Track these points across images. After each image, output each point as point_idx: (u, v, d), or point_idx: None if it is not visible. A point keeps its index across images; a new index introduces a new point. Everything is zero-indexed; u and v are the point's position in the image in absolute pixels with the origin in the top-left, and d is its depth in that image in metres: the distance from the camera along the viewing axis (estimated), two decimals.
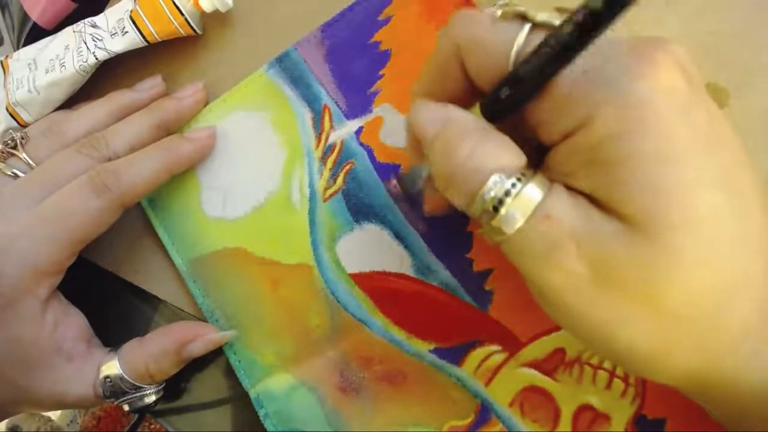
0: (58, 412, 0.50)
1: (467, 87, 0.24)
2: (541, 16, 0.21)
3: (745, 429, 0.23)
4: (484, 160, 0.21)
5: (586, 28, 0.19)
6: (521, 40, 0.21)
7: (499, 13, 0.22)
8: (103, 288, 0.38)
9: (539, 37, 0.21)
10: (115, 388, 0.33)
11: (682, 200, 0.19)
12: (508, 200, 0.21)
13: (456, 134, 0.22)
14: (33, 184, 0.32)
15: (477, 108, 0.25)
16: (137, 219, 0.37)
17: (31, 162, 0.34)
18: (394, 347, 0.32)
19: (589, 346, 0.27)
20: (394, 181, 0.33)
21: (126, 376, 0.33)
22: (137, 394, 0.33)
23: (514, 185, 0.21)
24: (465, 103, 0.25)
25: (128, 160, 0.33)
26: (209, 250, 0.35)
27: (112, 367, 0.33)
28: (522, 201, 0.21)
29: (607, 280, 0.20)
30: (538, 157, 0.23)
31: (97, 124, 0.35)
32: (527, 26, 0.22)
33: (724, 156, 0.20)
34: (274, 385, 0.33)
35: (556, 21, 0.20)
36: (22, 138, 0.35)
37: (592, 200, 0.21)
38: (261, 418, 0.33)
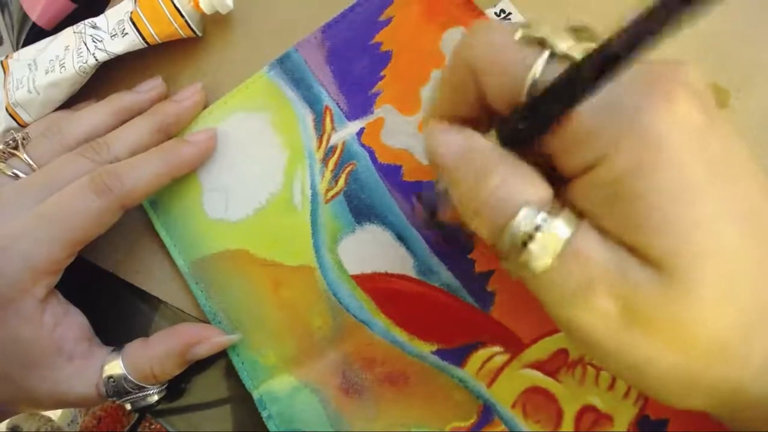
0: (59, 412, 0.50)
1: (481, 107, 0.24)
2: (562, 47, 0.21)
3: None
4: (514, 193, 0.21)
5: (604, 68, 0.18)
6: (539, 69, 0.21)
7: (519, 34, 0.22)
8: (103, 289, 0.38)
9: (556, 65, 0.20)
10: (118, 388, 0.33)
11: (701, 240, 0.19)
12: (539, 235, 0.20)
13: (484, 164, 0.22)
14: (34, 185, 0.32)
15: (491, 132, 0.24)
16: (138, 220, 0.37)
17: (31, 162, 0.34)
18: (396, 348, 0.32)
19: (617, 377, 0.27)
20: (417, 205, 0.33)
21: (129, 377, 0.33)
22: (140, 394, 0.34)
23: (545, 220, 0.20)
24: (478, 122, 0.24)
25: (130, 162, 0.33)
26: (211, 251, 0.35)
27: (115, 367, 0.33)
28: (551, 237, 0.20)
29: (636, 320, 0.20)
30: (555, 186, 0.22)
31: (98, 125, 0.36)
32: (546, 54, 0.21)
33: (741, 186, 0.20)
34: (276, 387, 0.33)
35: (576, 54, 0.20)
36: (23, 138, 0.35)
37: (618, 240, 0.20)
38: (264, 420, 0.33)
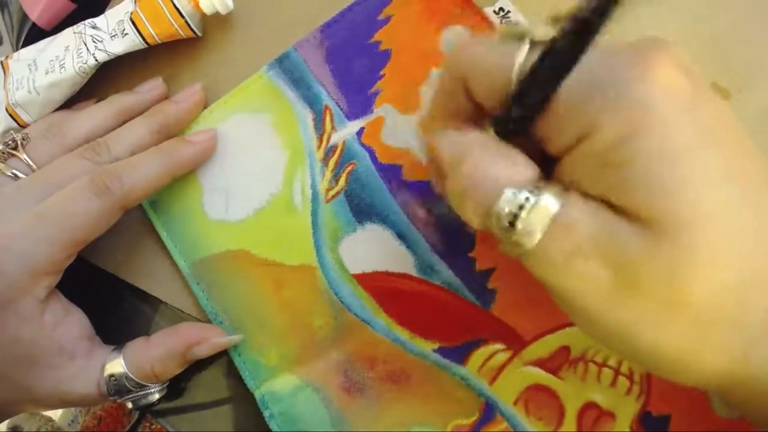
0: (59, 412, 0.50)
1: (476, 113, 0.25)
2: (540, 33, 0.21)
3: None
4: (495, 175, 0.21)
5: (578, 37, 0.19)
6: (521, 58, 0.21)
7: (500, 31, 0.23)
8: (104, 289, 0.38)
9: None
10: (119, 387, 0.33)
11: (690, 198, 0.19)
12: (524, 214, 0.21)
13: (463, 150, 0.22)
14: (34, 186, 0.32)
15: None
16: (139, 221, 0.37)
17: (31, 163, 0.34)
18: (398, 347, 0.33)
19: (613, 350, 0.27)
20: (422, 210, 0.34)
21: (131, 375, 0.33)
22: (141, 393, 0.34)
23: (528, 198, 0.21)
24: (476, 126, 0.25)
25: (130, 162, 0.33)
26: (212, 252, 0.35)
27: (116, 366, 0.33)
28: (539, 212, 0.21)
29: (628, 283, 0.20)
30: (548, 167, 0.23)
31: (98, 126, 0.36)
32: (527, 44, 0.22)
33: (730, 150, 0.20)
34: (278, 386, 0.33)
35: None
36: (23, 139, 0.35)
37: (608, 205, 0.21)
38: (266, 419, 0.33)
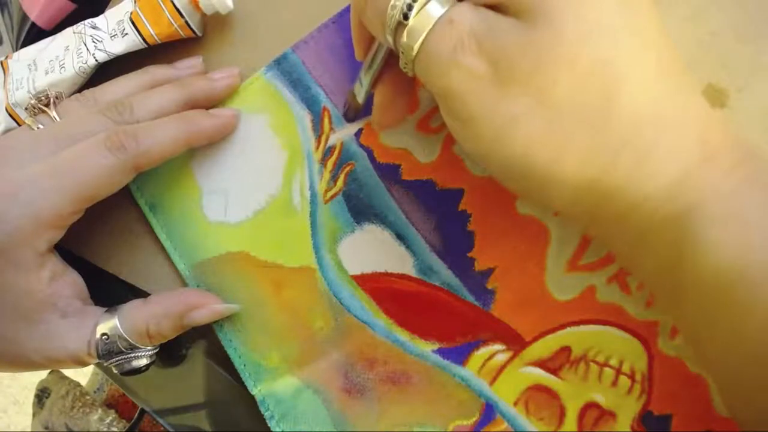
0: (86, 379, 0.50)
1: None
2: None
3: (640, 262, 0.24)
4: None
5: None
6: None
7: None
8: (104, 290, 0.38)
9: None
10: (110, 347, 0.32)
11: None
12: (413, 12, 0.23)
13: None
14: (51, 137, 0.32)
15: None
16: (139, 221, 0.37)
17: (59, 120, 0.34)
18: (398, 348, 0.33)
19: (491, 161, 0.25)
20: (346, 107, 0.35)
21: (124, 334, 0.32)
22: (132, 355, 0.33)
23: (411, 4, 0.23)
24: None
25: (149, 125, 0.33)
26: (212, 254, 0.35)
27: (110, 325, 0.32)
28: (426, 13, 0.23)
29: (503, 74, 0.22)
30: None
31: (130, 94, 0.35)
32: None
33: None
34: (279, 388, 0.33)
35: None
36: (56, 98, 0.35)
37: (494, 9, 0.23)
38: (267, 420, 0.33)
